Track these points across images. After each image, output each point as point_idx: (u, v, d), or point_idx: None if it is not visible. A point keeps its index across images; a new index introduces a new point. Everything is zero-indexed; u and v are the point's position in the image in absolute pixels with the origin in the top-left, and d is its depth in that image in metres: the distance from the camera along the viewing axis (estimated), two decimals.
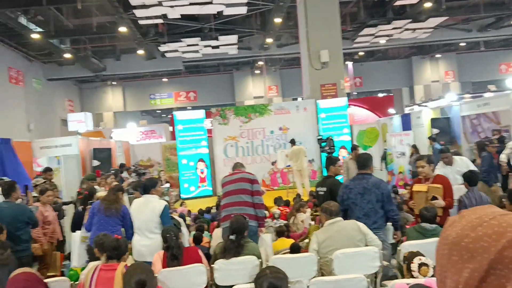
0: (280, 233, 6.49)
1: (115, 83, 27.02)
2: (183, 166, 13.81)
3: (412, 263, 3.26)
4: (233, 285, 4.05)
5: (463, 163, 6.61)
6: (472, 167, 6.45)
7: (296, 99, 25.30)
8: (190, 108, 26.88)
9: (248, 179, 5.55)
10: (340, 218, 4.40)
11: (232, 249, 4.25)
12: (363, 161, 5.04)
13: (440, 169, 6.70)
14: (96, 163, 10.22)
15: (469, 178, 5.49)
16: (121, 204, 5.31)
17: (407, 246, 4.25)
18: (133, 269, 3.18)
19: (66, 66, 22.68)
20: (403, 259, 3.42)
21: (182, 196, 13.48)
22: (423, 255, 3.33)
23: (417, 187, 5.19)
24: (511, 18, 21.02)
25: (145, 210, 5.09)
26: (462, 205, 5.29)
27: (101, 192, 6.12)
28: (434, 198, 4.88)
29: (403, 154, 11.87)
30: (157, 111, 33.52)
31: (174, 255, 4.23)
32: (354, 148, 10.15)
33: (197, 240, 6.56)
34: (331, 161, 5.50)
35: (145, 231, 5.01)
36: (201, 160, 13.85)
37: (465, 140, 10.01)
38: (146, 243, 4.94)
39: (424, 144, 11.36)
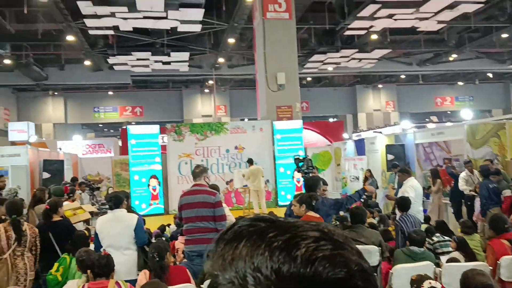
0: None
1: (56, 93, 25.70)
2: (135, 182, 13.23)
3: (422, 286, 3.22)
4: None
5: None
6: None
7: (243, 119, 25.37)
8: (134, 123, 26.08)
9: (210, 203, 5.11)
10: None
11: None
12: (311, 186, 5.20)
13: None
14: (46, 175, 9.51)
15: (400, 204, 6.01)
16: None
17: (398, 270, 4.24)
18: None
19: (5, 72, 21.28)
20: (410, 282, 3.37)
21: None
22: (431, 279, 3.31)
23: None
24: (448, 54, 22.54)
25: (116, 226, 4.72)
26: (398, 228, 5.58)
27: (68, 205, 5.62)
28: None
29: (356, 178, 12.12)
30: (100, 125, 32.23)
31: (158, 276, 3.93)
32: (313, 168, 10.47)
33: None
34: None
35: (119, 248, 4.63)
36: (154, 176, 13.35)
37: (419, 167, 10.42)
38: (121, 261, 4.53)
39: (378, 169, 11.70)
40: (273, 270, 0.51)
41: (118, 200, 4.76)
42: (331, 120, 29.36)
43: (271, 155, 13.84)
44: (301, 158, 7.37)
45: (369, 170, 11.32)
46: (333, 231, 0.57)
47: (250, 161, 11.92)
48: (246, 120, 24.24)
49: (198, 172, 5.37)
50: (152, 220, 11.41)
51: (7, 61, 18.97)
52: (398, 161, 10.33)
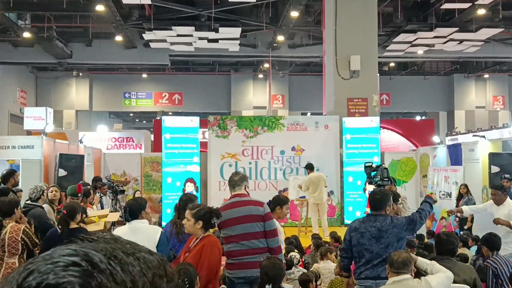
0: (305, 282, 6.22)
1: (81, 74, 26.78)
2: (167, 186, 13.51)
3: None
4: None
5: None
6: None
7: (304, 113, 25.29)
8: (171, 113, 26.69)
9: (258, 216, 5.15)
10: (408, 276, 4.17)
11: None
12: (377, 202, 5.10)
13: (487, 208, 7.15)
14: (62, 172, 9.92)
15: (488, 242, 5.77)
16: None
17: None
18: None
19: (23, 47, 22.41)
20: None
21: (164, 224, 13.14)
22: None
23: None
24: None
25: (135, 241, 4.78)
26: (490, 269, 5.43)
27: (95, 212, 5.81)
28: None
29: (448, 194, 11.77)
30: (130, 114, 33.29)
31: None
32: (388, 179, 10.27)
33: None
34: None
35: None
36: (190, 180, 13.55)
37: None
38: None
39: (478, 184, 11.25)
40: None
41: (134, 210, 4.81)
42: (418, 118, 28.66)
43: (337, 160, 13.71)
44: (374, 166, 7.19)
45: (465, 186, 10.95)
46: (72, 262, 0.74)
47: (310, 167, 11.85)
48: (308, 114, 24.15)
49: (238, 180, 5.40)
50: None
51: (26, 34, 19.91)
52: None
